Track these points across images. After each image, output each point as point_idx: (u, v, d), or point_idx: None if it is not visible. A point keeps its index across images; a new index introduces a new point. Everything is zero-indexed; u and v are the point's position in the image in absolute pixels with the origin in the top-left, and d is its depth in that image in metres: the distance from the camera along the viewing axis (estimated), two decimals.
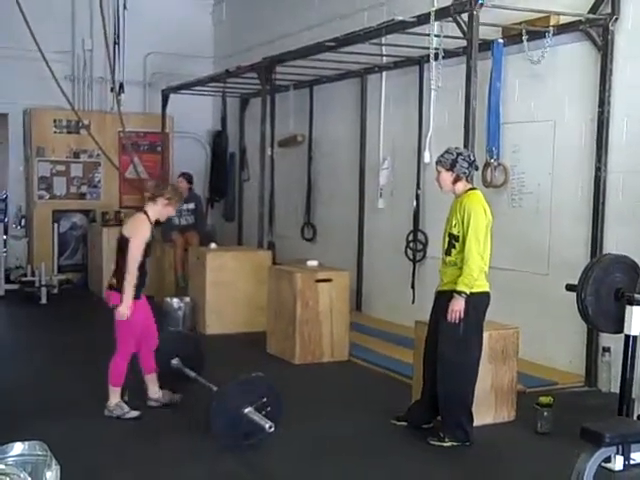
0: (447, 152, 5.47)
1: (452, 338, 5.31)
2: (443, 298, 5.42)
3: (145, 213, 5.82)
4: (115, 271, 5.84)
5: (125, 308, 5.65)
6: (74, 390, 6.62)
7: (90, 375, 7.04)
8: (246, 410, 5.18)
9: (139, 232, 5.72)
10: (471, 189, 5.48)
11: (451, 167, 5.39)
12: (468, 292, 5.25)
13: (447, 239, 5.45)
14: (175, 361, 6.38)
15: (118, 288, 5.71)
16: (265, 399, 5.24)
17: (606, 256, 5.61)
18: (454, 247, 5.38)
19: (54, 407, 6.12)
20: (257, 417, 5.16)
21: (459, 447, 5.34)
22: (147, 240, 5.76)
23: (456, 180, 5.41)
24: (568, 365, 7.15)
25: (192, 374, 6.05)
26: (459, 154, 5.42)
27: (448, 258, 5.45)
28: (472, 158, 5.49)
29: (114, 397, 5.86)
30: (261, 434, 5.14)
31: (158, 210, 5.84)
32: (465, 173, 5.41)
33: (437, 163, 5.50)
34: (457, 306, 5.25)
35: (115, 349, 5.85)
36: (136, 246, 5.67)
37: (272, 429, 5.07)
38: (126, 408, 5.83)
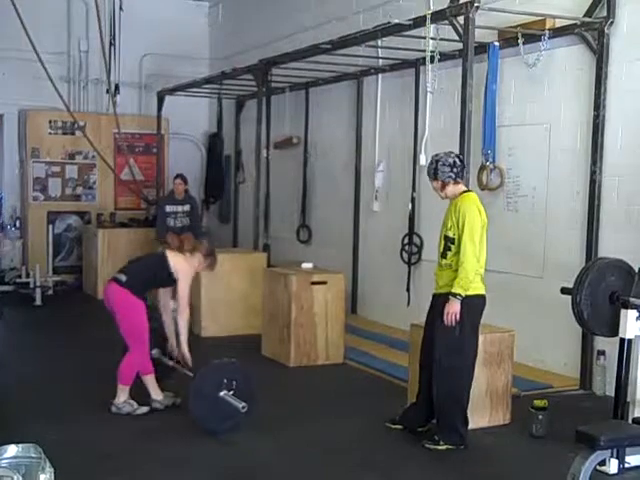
0: (429, 162, 5.52)
1: (448, 341, 5.31)
2: (439, 301, 5.41)
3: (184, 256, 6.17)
4: (128, 272, 6.00)
5: (187, 352, 6.02)
6: (69, 392, 6.60)
7: (85, 376, 7.04)
8: (221, 393, 5.44)
9: (188, 275, 6.02)
10: (466, 191, 5.49)
11: (435, 176, 5.43)
12: (464, 294, 5.24)
13: (443, 242, 5.44)
14: (154, 351, 6.38)
15: (131, 289, 5.87)
16: (235, 381, 5.49)
17: (601, 259, 5.61)
18: (450, 250, 5.38)
19: (49, 409, 6.09)
20: (231, 399, 5.42)
21: (454, 450, 5.33)
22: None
23: (443, 186, 5.44)
24: (563, 368, 7.16)
25: (170, 363, 6.19)
26: (437, 161, 5.44)
27: (444, 261, 5.44)
28: (451, 160, 5.41)
29: (123, 394, 5.98)
30: (238, 416, 5.38)
31: (192, 262, 6.11)
32: (450, 177, 5.40)
33: (427, 175, 5.57)
34: (452, 308, 5.25)
35: (129, 349, 5.98)
36: (186, 287, 5.98)
37: (245, 409, 5.34)
38: (135, 405, 5.97)
